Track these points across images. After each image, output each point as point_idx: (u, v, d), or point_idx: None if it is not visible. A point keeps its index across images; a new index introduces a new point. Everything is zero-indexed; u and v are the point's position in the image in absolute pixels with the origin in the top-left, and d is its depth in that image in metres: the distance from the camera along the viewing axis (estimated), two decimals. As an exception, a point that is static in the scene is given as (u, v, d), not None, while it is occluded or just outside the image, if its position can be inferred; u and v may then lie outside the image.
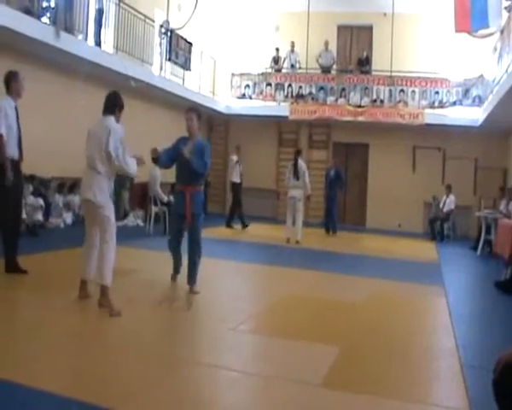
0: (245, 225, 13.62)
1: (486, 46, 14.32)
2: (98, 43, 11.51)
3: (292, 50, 17.58)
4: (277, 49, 17.74)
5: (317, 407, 3.34)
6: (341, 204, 16.74)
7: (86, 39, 11.19)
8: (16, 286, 5.74)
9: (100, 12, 11.56)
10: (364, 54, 17.50)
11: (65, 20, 10.12)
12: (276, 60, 17.77)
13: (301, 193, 11.56)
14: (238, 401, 3.35)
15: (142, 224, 12.74)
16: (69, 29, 10.29)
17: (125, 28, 12.18)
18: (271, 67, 17.67)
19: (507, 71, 10.61)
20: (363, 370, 4.01)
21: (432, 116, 15.84)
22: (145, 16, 12.97)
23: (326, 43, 17.46)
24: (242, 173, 14.10)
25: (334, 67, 17.64)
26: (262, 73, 17.28)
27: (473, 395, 3.55)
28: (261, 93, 17.16)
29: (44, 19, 9.94)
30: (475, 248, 12.14)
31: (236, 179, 13.93)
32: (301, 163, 11.69)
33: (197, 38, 15.89)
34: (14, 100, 6.17)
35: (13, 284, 5.79)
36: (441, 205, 15.12)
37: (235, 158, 14.02)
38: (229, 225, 13.66)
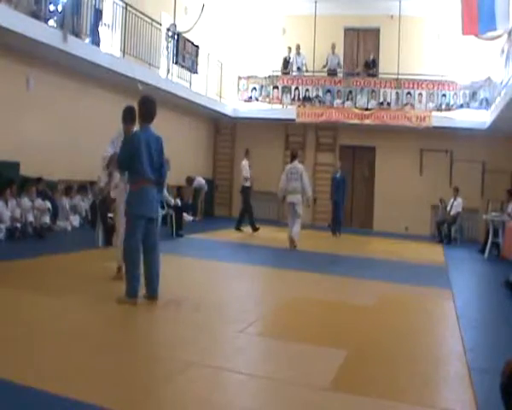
0: (255, 229, 13.47)
1: (494, 48, 14.27)
2: (98, 44, 11.39)
3: (298, 53, 17.58)
4: (290, 48, 17.71)
5: None
6: (348, 207, 16.71)
7: (93, 43, 11.22)
8: (18, 288, 5.75)
9: (98, 13, 11.46)
10: (371, 56, 17.49)
11: (72, 24, 10.17)
12: (287, 60, 17.75)
13: (299, 198, 10.93)
14: (246, 405, 3.34)
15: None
16: (76, 33, 10.34)
17: (131, 32, 12.23)
18: (280, 70, 17.67)
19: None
20: (370, 373, 3.99)
21: (439, 119, 15.80)
22: (152, 19, 13.02)
23: (333, 46, 17.46)
24: (253, 177, 14.02)
25: (340, 70, 17.63)
26: (269, 76, 17.29)
27: (480, 399, 3.53)
28: (268, 96, 17.19)
29: (51, 22, 9.97)
30: (483, 252, 12.07)
31: (246, 183, 13.78)
32: (299, 166, 11.14)
33: (204, 41, 15.92)
34: None
35: (15, 286, 5.80)
36: (448, 208, 15.07)
37: (244, 162, 13.86)
38: (238, 228, 13.56)
